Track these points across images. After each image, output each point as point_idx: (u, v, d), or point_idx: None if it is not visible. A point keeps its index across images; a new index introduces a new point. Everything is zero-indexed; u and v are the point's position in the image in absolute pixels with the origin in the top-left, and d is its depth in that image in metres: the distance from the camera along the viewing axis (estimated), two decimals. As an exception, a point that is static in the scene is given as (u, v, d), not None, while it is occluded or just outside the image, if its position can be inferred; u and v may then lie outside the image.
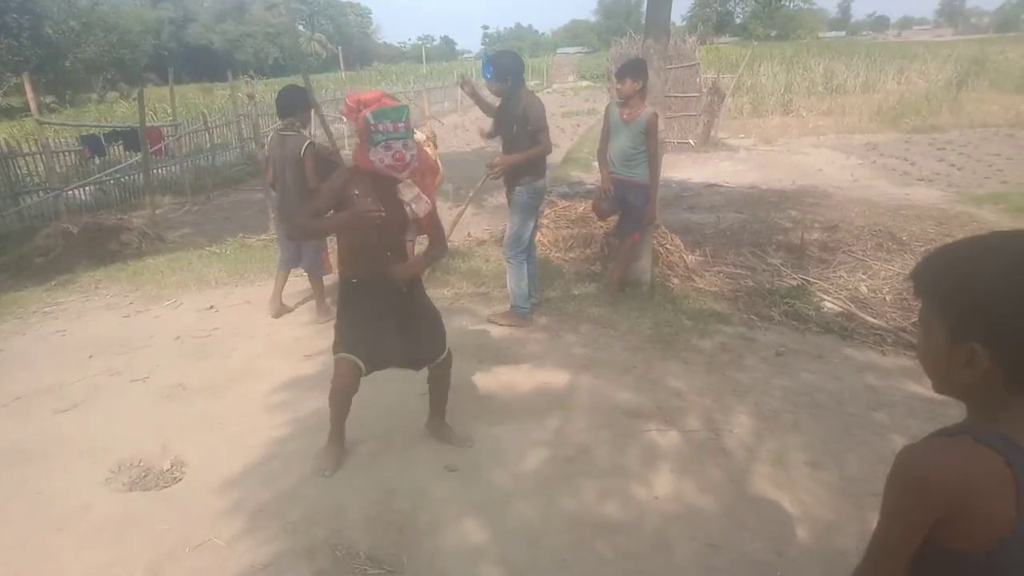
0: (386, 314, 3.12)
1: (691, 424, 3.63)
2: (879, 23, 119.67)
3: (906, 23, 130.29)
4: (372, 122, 2.78)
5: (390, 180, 2.91)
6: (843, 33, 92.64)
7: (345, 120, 4.04)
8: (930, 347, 1.10)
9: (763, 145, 15.45)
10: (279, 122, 5.21)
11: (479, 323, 5.13)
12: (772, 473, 3.20)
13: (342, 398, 3.15)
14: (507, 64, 4.76)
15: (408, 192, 2.94)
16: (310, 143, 4.89)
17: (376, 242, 2.98)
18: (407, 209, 2.96)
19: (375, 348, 3.13)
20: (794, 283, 5.86)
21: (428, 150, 5.57)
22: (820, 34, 77.45)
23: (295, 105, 5.03)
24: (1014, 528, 0.96)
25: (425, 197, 2.98)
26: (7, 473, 3.40)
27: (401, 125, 2.82)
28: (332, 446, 3.32)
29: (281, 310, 5.46)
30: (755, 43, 33.99)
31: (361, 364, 3.09)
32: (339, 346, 3.14)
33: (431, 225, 3.17)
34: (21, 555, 2.81)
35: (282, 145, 4.99)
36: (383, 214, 2.79)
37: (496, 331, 4.95)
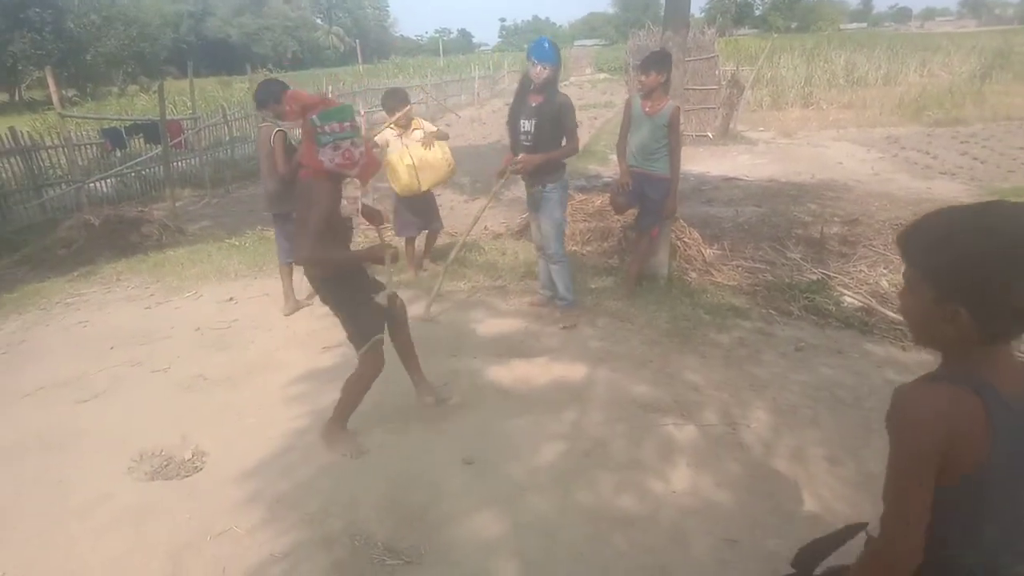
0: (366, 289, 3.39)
1: (708, 418, 3.62)
2: (901, 14, 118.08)
3: (929, 14, 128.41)
4: (319, 123, 2.86)
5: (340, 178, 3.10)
6: (864, 25, 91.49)
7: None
8: (915, 306, 1.26)
9: (782, 138, 15.31)
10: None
11: (496, 316, 5.13)
12: (790, 468, 3.18)
13: (371, 384, 3.36)
14: (559, 54, 4.71)
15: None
16: (279, 130, 4.88)
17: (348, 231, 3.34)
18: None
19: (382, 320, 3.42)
20: (814, 277, 5.81)
21: (433, 147, 5.61)
22: (841, 26, 76.47)
23: (268, 97, 5.01)
24: (989, 455, 1.15)
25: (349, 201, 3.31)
26: (29, 462, 3.46)
27: (347, 124, 2.90)
28: (347, 432, 3.46)
29: (296, 307, 5.44)
30: (775, 35, 33.61)
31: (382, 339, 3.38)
32: (368, 331, 3.30)
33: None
34: (42, 543, 2.86)
35: (258, 134, 5.18)
36: (395, 250, 3.31)
37: (512, 325, 4.95)
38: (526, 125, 4.75)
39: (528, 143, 4.75)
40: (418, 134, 5.64)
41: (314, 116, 2.86)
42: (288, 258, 5.29)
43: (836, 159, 12.40)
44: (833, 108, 19.73)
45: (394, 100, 5.75)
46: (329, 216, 3.00)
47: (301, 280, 5.57)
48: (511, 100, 5.09)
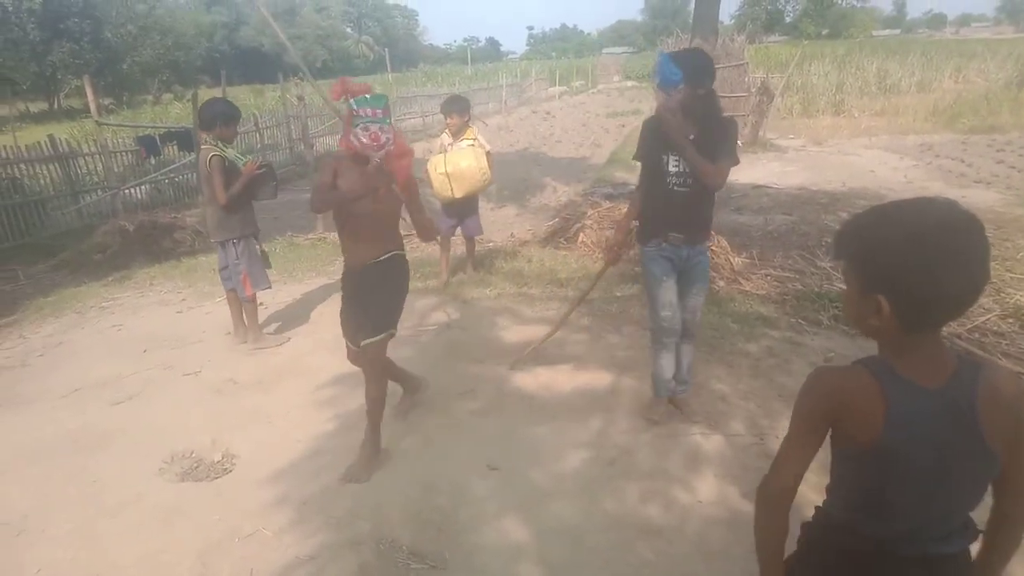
0: (363, 294, 3.37)
1: (735, 428, 3.58)
2: (936, 21, 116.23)
3: (965, 20, 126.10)
4: (355, 107, 3.06)
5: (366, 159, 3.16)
6: (898, 31, 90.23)
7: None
8: (847, 296, 1.39)
9: (813, 146, 15.14)
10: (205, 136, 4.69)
11: (521, 323, 5.14)
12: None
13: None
14: (701, 65, 3.25)
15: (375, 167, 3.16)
16: (214, 154, 4.45)
17: (373, 217, 3.25)
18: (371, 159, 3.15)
19: (353, 325, 3.42)
20: (844, 287, 5.74)
21: (476, 151, 5.62)
22: (873, 32, 75.53)
23: (215, 119, 4.57)
24: (883, 429, 1.27)
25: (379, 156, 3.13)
26: (65, 461, 3.54)
27: (379, 111, 3.09)
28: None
29: (244, 338, 4.97)
30: (805, 42, 33.29)
31: (349, 344, 3.49)
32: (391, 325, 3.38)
33: (412, 196, 3.38)
34: (77, 540, 2.92)
35: (198, 157, 4.81)
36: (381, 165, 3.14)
37: (537, 332, 4.93)
38: (674, 165, 3.36)
39: (684, 187, 3.35)
40: (464, 143, 5.67)
41: (352, 100, 3.06)
42: (230, 285, 4.87)
43: (868, 167, 12.22)
44: (865, 115, 19.45)
45: (450, 106, 5.80)
46: (341, 191, 3.16)
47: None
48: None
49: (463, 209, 5.91)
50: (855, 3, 77.26)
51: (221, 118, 4.57)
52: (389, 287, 3.38)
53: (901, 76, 24.25)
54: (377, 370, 3.32)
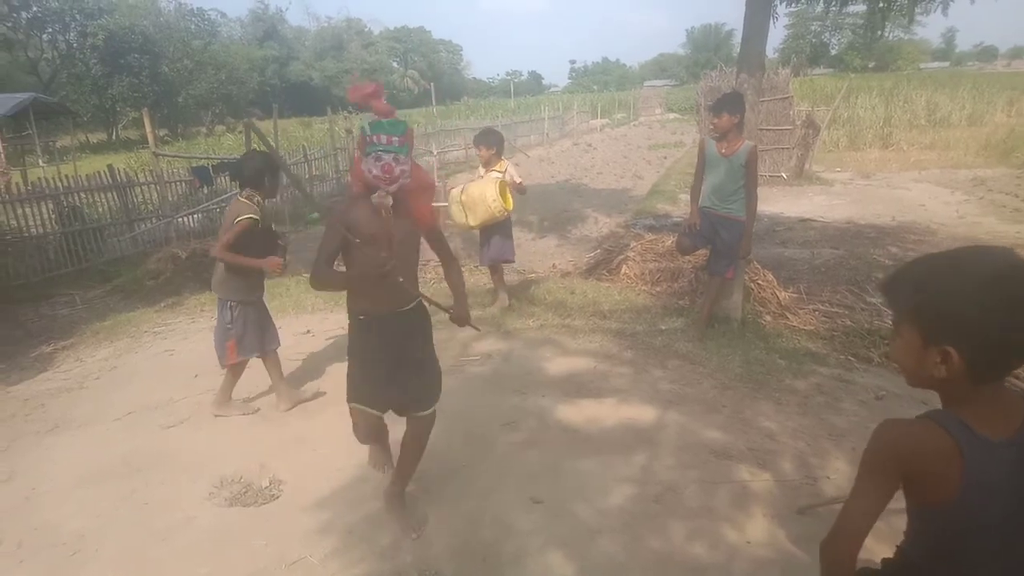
0: (383, 353, 2.95)
1: (784, 468, 3.50)
2: (986, 53, 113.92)
3: (1017, 52, 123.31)
4: (368, 133, 2.69)
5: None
6: (946, 64, 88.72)
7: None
8: (905, 349, 1.34)
9: (860, 179, 14.93)
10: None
11: (564, 355, 5.12)
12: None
13: (368, 442, 3.26)
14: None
15: (383, 198, 2.74)
16: (249, 216, 4.00)
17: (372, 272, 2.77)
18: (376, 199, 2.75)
19: (379, 392, 2.99)
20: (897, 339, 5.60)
21: (492, 180, 5.66)
22: (921, 65, 74.44)
23: (261, 175, 4.13)
24: (960, 489, 1.24)
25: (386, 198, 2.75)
26: (118, 483, 3.62)
27: (395, 139, 2.69)
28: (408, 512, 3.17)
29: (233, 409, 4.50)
30: (852, 75, 32.97)
31: (369, 409, 3.00)
32: (348, 393, 3.01)
33: (438, 245, 3.09)
34: (130, 562, 2.98)
35: (229, 209, 4.19)
36: (394, 262, 2.67)
37: (581, 364, 4.93)
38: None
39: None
40: (494, 175, 5.74)
41: (366, 124, 2.72)
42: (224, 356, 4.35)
43: (918, 201, 12.00)
44: (914, 149, 19.15)
45: (479, 139, 5.94)
46: (342, 244, 2.80)
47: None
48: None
49: (488, 236, 5.96)
50: (902, 35, 76.29)
51: (269, 172, 4.13)
52: (427, 343, 3.08)
53: (951, 109, 23.85)
54: (423, 445, 3.07)
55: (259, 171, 4.10)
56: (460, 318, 3.05)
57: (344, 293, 2.99)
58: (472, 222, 5.66)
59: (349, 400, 3.00)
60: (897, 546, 1.53)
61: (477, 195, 5.57)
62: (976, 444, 1.24)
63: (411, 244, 2.94)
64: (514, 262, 6.46)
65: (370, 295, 2.88)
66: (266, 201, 4.27)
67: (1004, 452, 1.25)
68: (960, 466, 1.24)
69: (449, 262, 3.17)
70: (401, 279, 2.74)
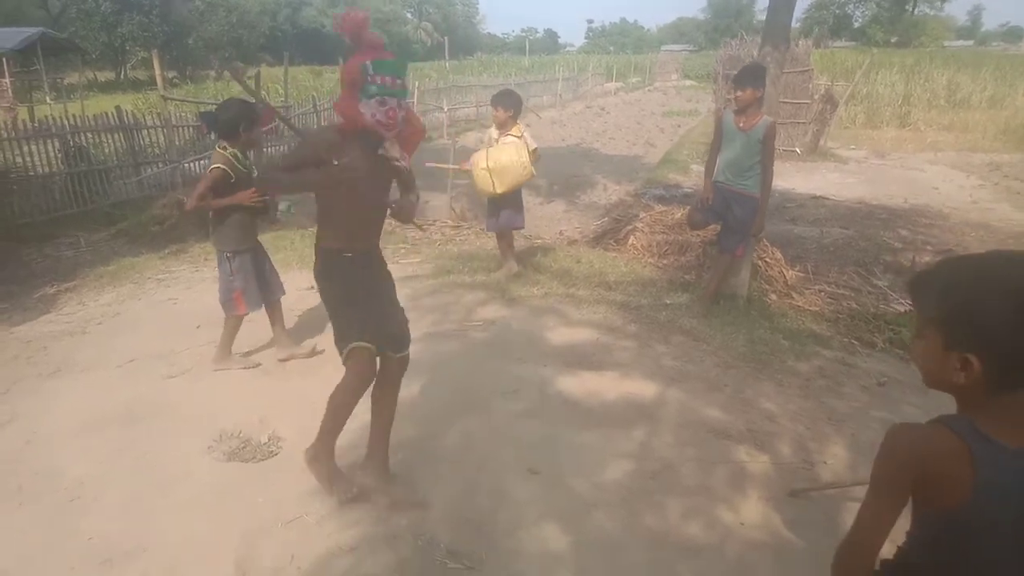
0: (376, 288, 2.91)
1: (783, 451, 3.51)
2: (1012, 34, 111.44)
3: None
4: (371, 72, 2.51)
5: (375, 137, 2.66)
6: (971, 43, 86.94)
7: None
8: (926, 352, 1.31)
9: (875, 158, 14.75)
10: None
11: (567, 325, 5.10)
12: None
13: (357, 397, 2.88)
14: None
15: (394, 150, 2.71)
16: (218, 166, 4.03)
17: (361, 206, 2.78)
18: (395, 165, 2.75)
19: (382, 328, 2.89)
20: (901, 309, 5.59)
21: (519, 145, 5.56)
22: (945, 43, 72.94)
23: (238, 123, 4.07)
24: (972, 494, 1.21)
25: (407, 158, 2.78)
26: (119, 432, 3.63)
27: (400, 82, 2.61)
28: (338, 469, 3.01)
29: (233, 362, 4.48)
30: (875, 50, 32.35)
31: (374, 349, 2.83)
32: (350, 333, 2.78)
33: (406, 180, 3.00)
34: (128, 512, 3.00)
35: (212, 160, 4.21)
36: (359, 174, 2.60)
37: (584, 335, 4.91)
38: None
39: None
40: (510, 139, 5.63)
41: (368, 63, 2.52)
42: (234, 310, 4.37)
43: (932, 183, 11.86)
44: (931, 129, 18.87)
45: (497, 99, 5.78)
46: (312, 162, 2.67)
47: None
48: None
49: (505, 204, 5.87)
50: (928, 11, 74.68)
51: (245, 122, 4.07)
52: (392, 287, 3.02)
53: (972, 90, 23.43)
54: (399, 390, 3.04)
55: (232, 121, 4.06)
56: (404, 212, 2.90)
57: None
58: (499, 189, 5.58)
59: (353, 340, 2.76)
60: (898, 547, 1.49)
61: (507, 162, 5.49)
62: (989, 450, 1.22)
63: (387, 187, 2.93)
64: (523, 228, 6.41)
65: (350, 229, 2.80)
66: (251, 153, 4.31)
67: (1019, 461, 1.22)
68: (971, 471, 1.22)
69: (411, 187, 3.03)
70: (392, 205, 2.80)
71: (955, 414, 1.31)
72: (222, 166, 4.04)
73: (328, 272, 2.85)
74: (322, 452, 2.95)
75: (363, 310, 2.83)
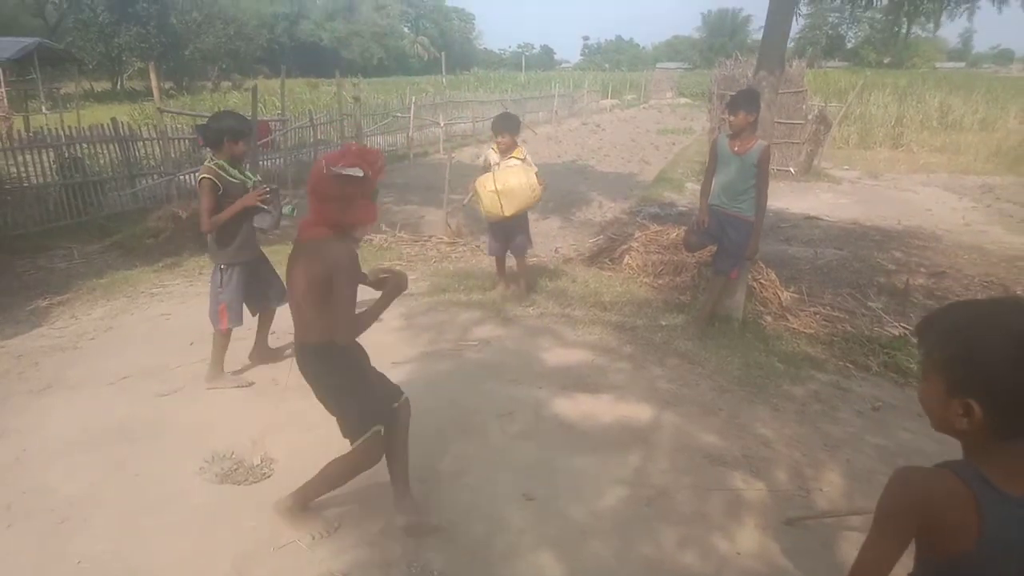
0: (366, 359, 3.00)
1: (778, 477, 3.50)
2: (1003, 56, 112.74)
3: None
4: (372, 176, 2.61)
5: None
6: (962, 65, 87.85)
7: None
8: (930, 395, 1.32)
9: (868, 179, 14.84)
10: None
11: (563, 346, 5.10)
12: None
13: (358, 474, 2.93)
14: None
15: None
16: (204, 177, 4.08)
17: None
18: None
19: (384, 390, 3.02)
20: (895, 332, 5.60)
21: (526, 168, 5.57)
22: (937, 64, 73.72)
23: (221, 136, 4.14)
24: (976, 543, 1.20)
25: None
26: (110, 451, 3.60)
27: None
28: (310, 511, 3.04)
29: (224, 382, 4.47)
30: (868, 71, 32.65)
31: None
32: (370, 416, 2.83)
33: None
34: (119, 534, 2.97)
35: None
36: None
37: (579, 356, 4.91)
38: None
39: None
40: (513, 162, 5.62)
41: (370, 170, 2.59)
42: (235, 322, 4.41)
43: (925, 205, 11.94)
44: (924, 151, 19.01)
45: (503, 125, 5.72)
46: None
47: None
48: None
49: (512, 228, 5.85)
50: (921, 33, 75.46)
51: (229, 134, 4.13)
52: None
53: (964, 112, 23.59)
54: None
55: (216, 133, 4.14)
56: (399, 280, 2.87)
57: None
58: (508, 211, 5.53)
59: (376, 423, 2.82)
60: None
61: (515, 184, 5.45)
62: (995, 499, 1.22)
63: None
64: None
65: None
66: (244, 164, 4.35)
67: (1023, 509, 1.22)
68: (977, 520, 1.21)
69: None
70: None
71: (961, 460, 1.31)
72: (208, 176, 4.08)
73: (336, 360, 2.79)
74: (297, 506, 2.95)
75: (372, 386, 2.90)
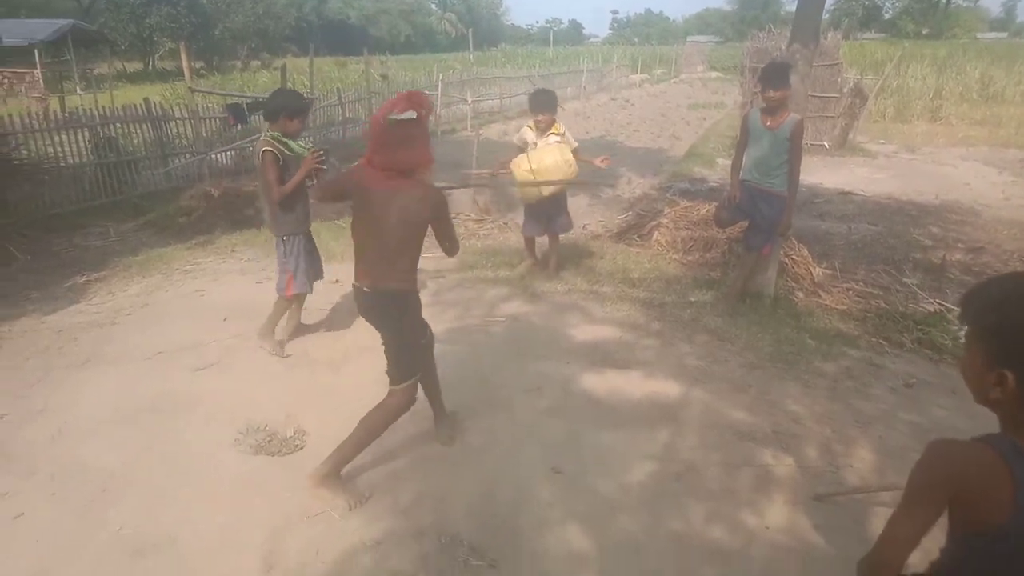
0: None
1: (808, 453, 3.47)
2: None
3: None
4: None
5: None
6: (1005, 35, 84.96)
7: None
8: (969, 365, 1.34)
9: (905, 153, 14.49)
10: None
11: (591, 322, 5.09)
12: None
13: (395, 420, 3.16)
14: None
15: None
16: (266, 150, 4.20)
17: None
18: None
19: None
20: (930, 308, 5.49)
21: (562, 146, 5.48)
22: (978, 34, 71.37)
23: (280, 111, 4.29)
24: (1011, 515, 1.20)
25: None
26: (147, 425, 3.69)
27: None
28: (344, 483, 3.13)
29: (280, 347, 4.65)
30: (906, 43, 31.76)
31: None
32: (416, 366, 3.16)
33: None
34: (157, 503, 3.05)
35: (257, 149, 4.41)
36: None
37: (607, 332, 4.89)
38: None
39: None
40: (553, 139, 5.49)
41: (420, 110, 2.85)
42: (304, 288, 4.59)
43: (963, 179, 11.63)
44: (963, 124, 18.48)
45: (542, 105, 5.56)
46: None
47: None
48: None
49: (552, 208, 5.75)
50: (961, 3, 73.08)
51: (285, 111, 4.26)
52: None
53: (1006, 84, 22.86)
54: None
55: (275, 108, 4.31)
56: None
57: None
58: (545, 192, 5.45)
59: (418, 372, 3.17)
60: (930, 562, 1.48)
61: (551, 163, 5.32)
62: None
63: None
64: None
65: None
66: (297, 138, 4.43)
67: None
68: (1012, 492, 1.21)
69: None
70: None
71: (998, 433, 1.31)
72: (269, 149, 4.21)
73: (413, 308, 3.14)
74: (333, 473, 3.05)
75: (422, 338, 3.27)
